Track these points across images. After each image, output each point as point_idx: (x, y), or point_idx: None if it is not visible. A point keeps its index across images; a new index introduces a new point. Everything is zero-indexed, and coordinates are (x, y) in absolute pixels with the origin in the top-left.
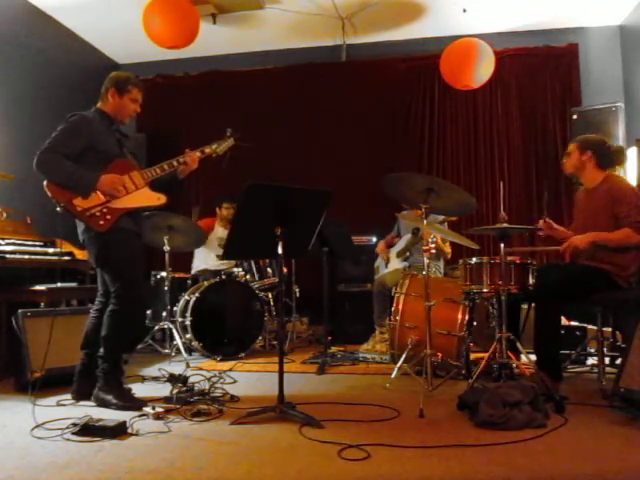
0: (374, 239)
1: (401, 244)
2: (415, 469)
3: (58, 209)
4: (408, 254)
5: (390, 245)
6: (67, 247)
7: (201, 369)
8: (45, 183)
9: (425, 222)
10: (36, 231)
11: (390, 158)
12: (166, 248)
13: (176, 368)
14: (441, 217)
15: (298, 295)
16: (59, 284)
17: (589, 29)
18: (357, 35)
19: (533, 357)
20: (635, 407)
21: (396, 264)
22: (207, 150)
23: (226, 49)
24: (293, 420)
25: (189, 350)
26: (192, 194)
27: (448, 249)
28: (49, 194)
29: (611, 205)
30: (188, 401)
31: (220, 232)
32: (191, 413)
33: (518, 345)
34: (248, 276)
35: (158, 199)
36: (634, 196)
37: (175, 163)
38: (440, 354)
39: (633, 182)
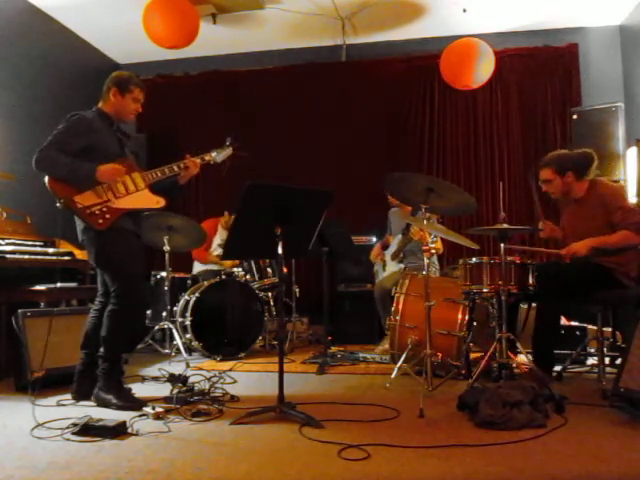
0: (374, 239)
1: (393, 246)
2: (415, 469)
3: (58, 205)
4: (402, 255)
5: (386, 246)
6: (67, 247)
7: (201, 369)
8: (46, 179)
9: (412, 218)
10: (36, 231)
11: (390, 158)
12: (166, 248)
13: (176, 368)
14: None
15: (298, 295)
16: (59, 284)
17: (589, 29)
18: (357, 35)
19: None
20: (635, 407)
21: (392, 267)
22: (207, 157)
23: (226, 49)
24: (293, 420)
25: (189, 350)
26: (192, 197)
27: (439, 245)
28: (50, 189)
29: (603, 212)
30: (188, 401)
31: (223, 234)
32: (191, 413)
33: (518, 345)
34: (248, 276)
35: (157, 202)
36: (624, 200)
37: (176, 168)
38: (440, 354)
39: (633, 182)
